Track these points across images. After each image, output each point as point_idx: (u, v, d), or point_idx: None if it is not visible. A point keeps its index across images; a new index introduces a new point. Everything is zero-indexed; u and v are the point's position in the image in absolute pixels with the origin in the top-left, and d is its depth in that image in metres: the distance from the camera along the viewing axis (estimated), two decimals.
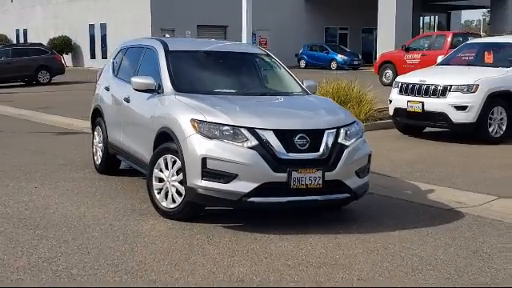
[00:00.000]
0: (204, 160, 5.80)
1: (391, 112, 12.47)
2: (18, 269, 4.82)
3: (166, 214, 6.32)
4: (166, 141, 6.38)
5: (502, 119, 11.58)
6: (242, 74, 7.60)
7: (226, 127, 5.91)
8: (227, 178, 5.78)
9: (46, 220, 6.22)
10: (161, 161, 6.36)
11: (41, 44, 31.65)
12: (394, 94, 12.34)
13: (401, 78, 12.47)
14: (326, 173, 5.94)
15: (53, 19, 47.50)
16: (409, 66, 24.81)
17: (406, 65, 24.98)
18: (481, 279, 4.84)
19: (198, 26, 40.54)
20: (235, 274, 4.83)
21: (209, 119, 5.97)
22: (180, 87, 6.80)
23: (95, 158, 8.78)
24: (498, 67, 11.99)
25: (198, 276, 4.77)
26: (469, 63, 12.81)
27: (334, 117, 6.38)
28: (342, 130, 6.19)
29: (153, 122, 6.69)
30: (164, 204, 6.34)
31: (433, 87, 11.56)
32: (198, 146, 5.87)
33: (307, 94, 7.37)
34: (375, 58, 41.97)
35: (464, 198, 7.56)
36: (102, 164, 8.52)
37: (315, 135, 6.01)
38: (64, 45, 44.76)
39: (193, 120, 6.01)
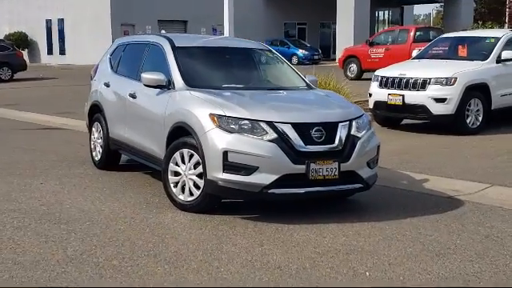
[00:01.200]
0: (225, 153, 5.96)
1: (371, 105, 12.78)
2: (58, 262, 4.91)
3: (183, 206, 6.45)
4: (181, 135, 6.51)
5: (478, 111, 12.00)
6: (248, 68, 7.78)
7: (244, 121, 6.08)
8: (248, 170, 5.96)
9: (66, 215, 6.29)
10: (177, 155, 6.49)
11: (2, 40, 31.11)
12: (374, 87, 12.65)
13: (380, 72, 12.78)
14: (341, 164, 6.17)
15: (8, 15, 46.64)
16: (373, 60, 25.37)
17: (370, 59, 25.50)
18: (501, 261, 5.13)
19: (158, 21, 40.41)
20: (271, 262, 5.02)
21: (228, 113, 6.13)
22: (191, 83, 6.93)
23: (93, 153, 8.81)
24: (473, 60, 12.43)
25: (237, 264, 4.94)
26: (444, 57, 13.22)
27: (345, 110, 6.62)
28: (354, 123, 6.43)
29: (165, 117, 6.80)
30: (181, 197, 6.48)
31: (413, 80, 11.91)
32: (219, 139, 6.02)
33: (311, 88, 7.59)
34: (334, 52, 42.62)
35: (458, 186, 7.89)
36: (101, 160, 8.57)
37: (330, 128, 6.23)
38: (20, 41, 44.01)
39: (212, 114, 6.16)
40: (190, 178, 6.38)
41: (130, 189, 7.47)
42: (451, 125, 11.90)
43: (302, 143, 6.05)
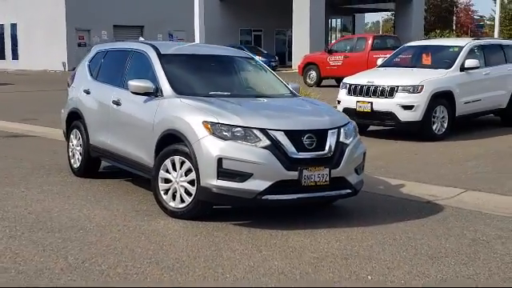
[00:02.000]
0: (220, 160, 6.03)
1: None
2: (62, 270, 4.88)
3: (174, 214, 6.48)
4: (171, 143, 6.54)
5: (443, 118, 12.35)
6: (233, 76, 7.86)
7: (238, 128, 6.15)
8: (242, 177, 6.03)
9: (57, 223, 6.24)
10: (167, 162, 6.51)
11: None
12: (343, 94, 12.89)
13: (349, 80, 13.03)
14: (331, 170, 6.30)
15: None
16: (332, 67, 25.78)
17: (329, 66, 25.91)
18: (493, 264, 5.33)
19: (114, 26, 40.13)
20: (273, 267, 5.09)
21: (221, 121, 6.20)
22: (179, 90, 6.97)
23: (72, 161, 8.74)
24: (438, 69, 12.79)
25: (241, 270, 5.00)
26: (409, 65, 13.55)
27: (333, 117, 6.76)
28: (342, 130, 6.58)
29: (154, 125, 6.81)
30: (172, 204, 6.50)
31: (381, 88, 12.19)
32: (213, 147, 6.08)
33: (295, 95, 7.71)
34: (289, 59, 43.02)
35: (434, 191, 8.09)
36: (80, 167, 8.51)
37: (320, 135, 6.36)
38: None
39: (205, 122, 6.21)
40: (182, 185, 6.42)
41: (115, 196, 7.45)
42: (418, 131, 12.21)
43: (294, 150, 6.16)
